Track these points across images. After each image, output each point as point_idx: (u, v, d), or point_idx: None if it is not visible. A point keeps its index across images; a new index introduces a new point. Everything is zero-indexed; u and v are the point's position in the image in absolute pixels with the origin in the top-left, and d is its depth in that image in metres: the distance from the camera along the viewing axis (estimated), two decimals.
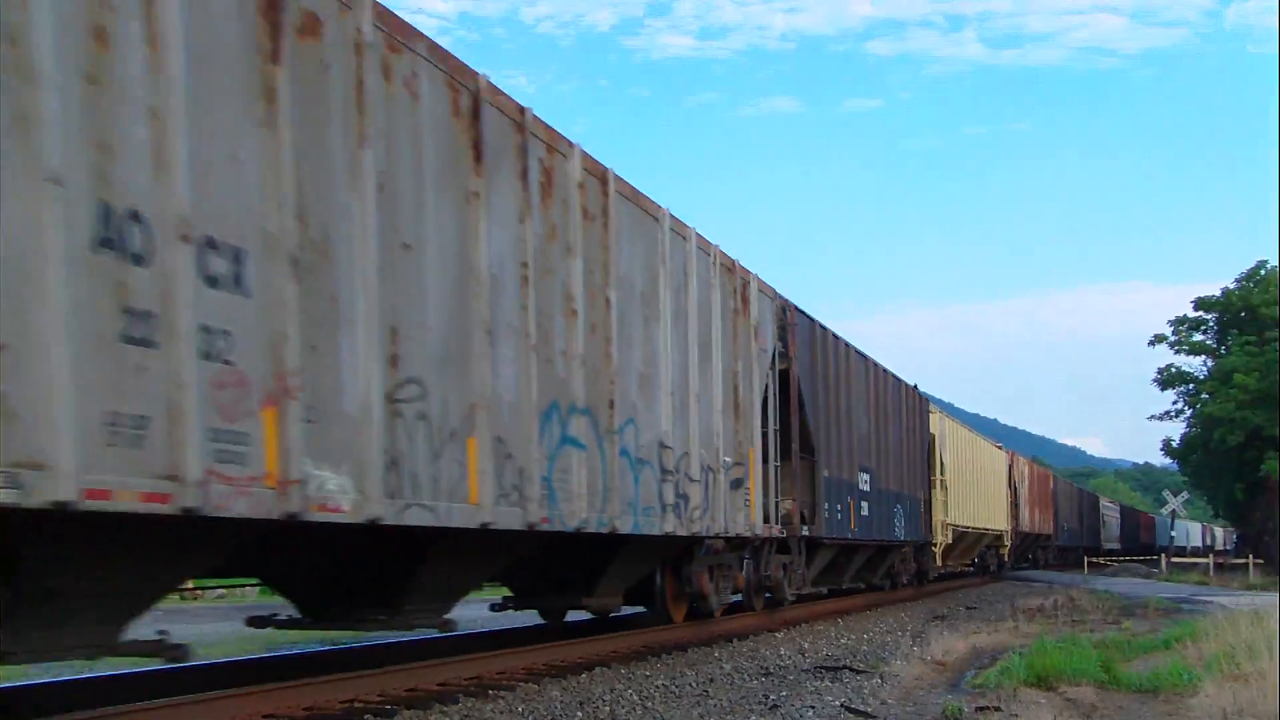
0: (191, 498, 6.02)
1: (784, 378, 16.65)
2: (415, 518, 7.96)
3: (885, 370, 23.58)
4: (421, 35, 8.35)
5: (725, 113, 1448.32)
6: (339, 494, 7.17)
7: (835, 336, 19.79)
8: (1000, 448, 39.15)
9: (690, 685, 10.69)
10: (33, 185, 5.29)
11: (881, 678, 11.39)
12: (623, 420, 11.32)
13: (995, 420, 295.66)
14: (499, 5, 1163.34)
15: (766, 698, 9.93)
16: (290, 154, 6.86)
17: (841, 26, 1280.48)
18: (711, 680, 11.08)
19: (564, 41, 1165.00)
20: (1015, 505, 39.47)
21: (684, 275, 12.99)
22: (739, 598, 16.40)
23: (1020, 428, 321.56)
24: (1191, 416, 56.89)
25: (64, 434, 5.36)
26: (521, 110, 9.61)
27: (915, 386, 26.83)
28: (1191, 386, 56.62)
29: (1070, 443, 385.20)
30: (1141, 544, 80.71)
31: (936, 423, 28.64)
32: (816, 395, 18.27)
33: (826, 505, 18.51)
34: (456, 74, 8.74)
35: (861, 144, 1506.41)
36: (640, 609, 15.34)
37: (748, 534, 14.89)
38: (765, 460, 15.63)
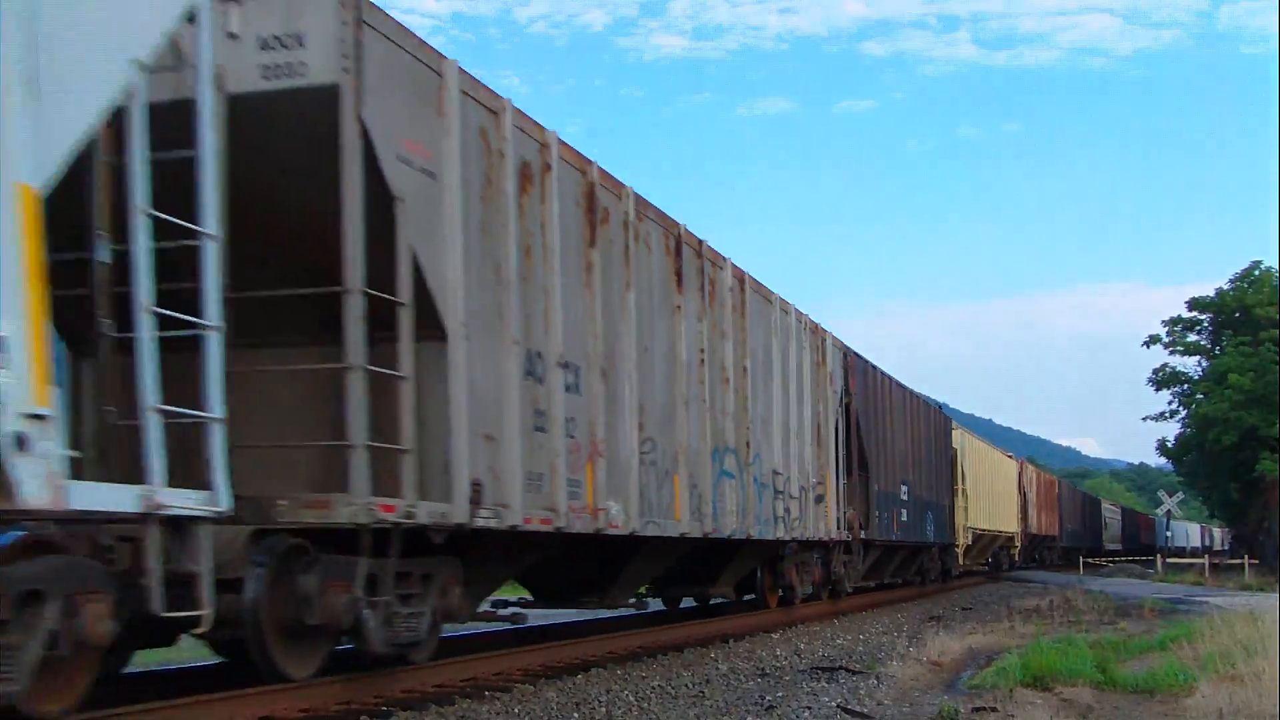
0: (562, 521, 10.32)
1: (846, 409, 21.02)
2: (651, 530, 12.32)
3: (917, 395, 28.32)
4: (650, 204, 12.72)
5: (720, 113, 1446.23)
6: (618, 516, 11.43)
7: (882, 373, 24.46)
8: (1011, 456, 43.51)
9: (686, 686, 10.69)
10: (506, 346, 9.60)
11: (878, 678, 11.35)
12: (753, 455, 15.71)
13: (990, 421, 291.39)
14: (491, 5, 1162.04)
15: (762, 698, 9.90)
16: (599, 303, 11.25)
17: (835, 27, 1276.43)
18: (708, 681, 11.07)
19: (557, 41, 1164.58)
20: (1025, 509, 43.66)
21: (786, 341, 17.52)
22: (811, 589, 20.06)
23: (1015, 428, 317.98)
24: (1186, 417, 56.88)
25: (515, 486, 9.59)
26: (700, 242, 14.12)
27: (940, 407, 31.40)
28: (1186, 387, 56.67)
29: (1065, 443, 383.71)
30: (1142, 544, 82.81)
31: (958, 438, 33.11)
32: (869, 422, 22.59)
33: (878, 513, 22.59)
34: (668, 225, 13.26)
35: (855, 144, 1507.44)
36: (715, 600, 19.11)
37: (826, 538, 19.37)
38: (837, 478, 20.07)
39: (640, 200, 12.26)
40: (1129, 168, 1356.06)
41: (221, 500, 6.72)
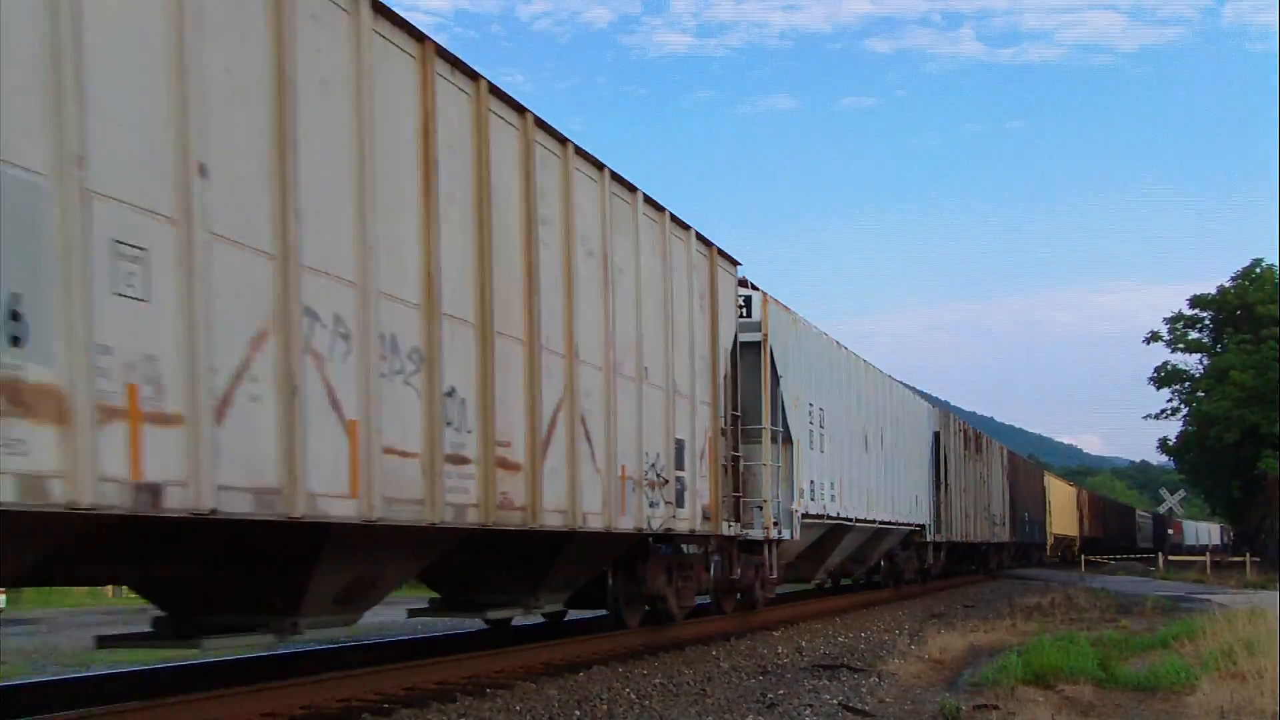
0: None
1: (1009, 478, 41.57)
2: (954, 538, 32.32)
3: (1034, 461, 58.94)
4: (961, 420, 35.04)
5: (723, 110, 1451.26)
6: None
7: (1020, 457, 48.50)
8: (1072, 485, 67.63)
9: (688, 684, 10.71)
10: (971, 493, 34.08)
11: (879, 676, 11.38)
12: (992, 507, 37.12)
13: (991, 419, 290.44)
14: (495, 2, 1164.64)
15: (764, 696, 9.93)
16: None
17: (839, 24, 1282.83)
18: (709, 679, 11.09)
19: (561, 39, 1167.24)
20: (1081, 519, 65.14)
21: (999, 461, 39.97)
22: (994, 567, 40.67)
23: (1017, 425, 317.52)
24: (1188, 415, 57.29)
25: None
26: (977, 432, 36.32)
27: (1036, 459, 59.28)
28: (1187, 384, 57.07)
29: (1067, 440, 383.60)
30: (1170, 543, 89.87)
31: (1047, 480, 55.30)
32: (1014, 482, 42.94)
33: (1017, 525, 43.30)
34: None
35: (859, 142, 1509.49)
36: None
37: (1004, 541, 39.82)
38: (1012, 513, 41.10)
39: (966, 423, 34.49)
40: (1132, 165, 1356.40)
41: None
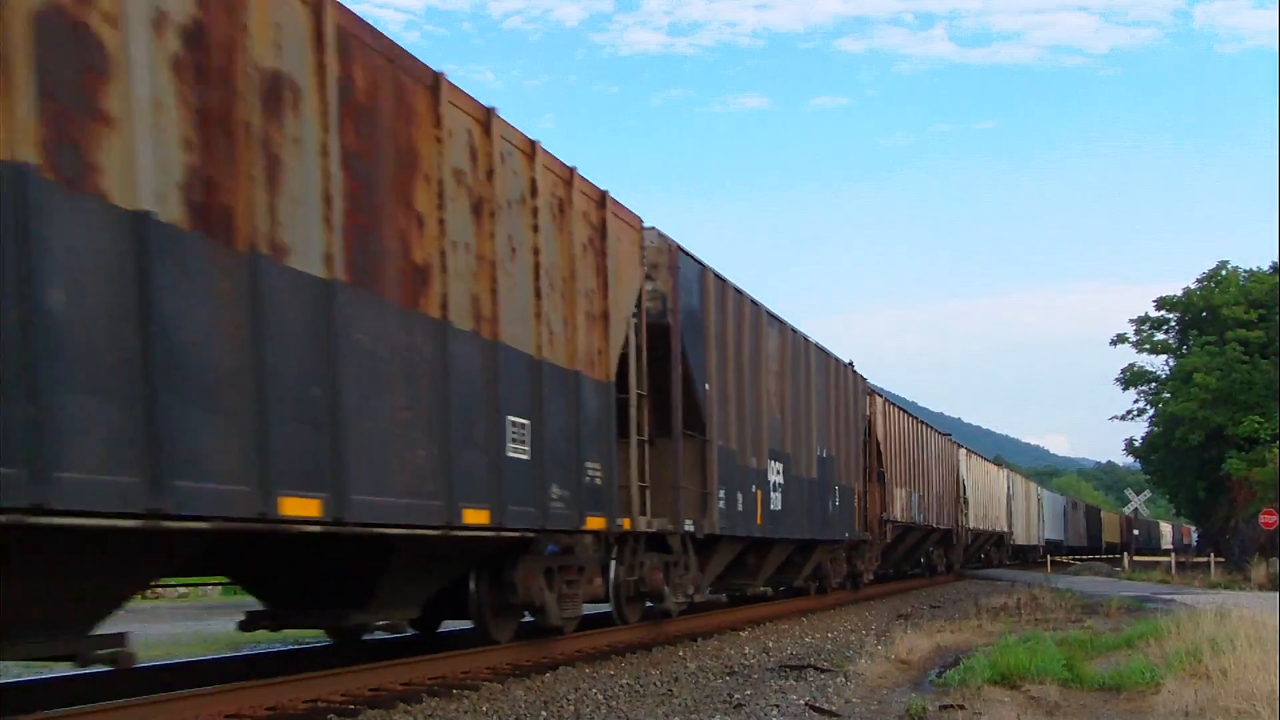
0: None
1: (1084, 512, 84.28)
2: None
3: (1092, 507, 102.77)
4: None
5: (694, 109, 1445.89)
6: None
7: (1090, 505, 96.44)
8: (1117, 513, 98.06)
9: (655, 684, 10.68)
10: None
11: (846, 676, 11.36)
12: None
13: (959, 419, 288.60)
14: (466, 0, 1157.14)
15: (731, 696, 9.91)
16: None
17: (811, 23, 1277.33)
18: (676, 679, 11.07)
19: (532, 37, 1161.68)
20: (1121, 531, 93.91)
21: (1079, 507, 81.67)
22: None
23: (984, 426, 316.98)
24: (1153, 416, 57.63)
25: None
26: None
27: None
28: (1153, 386, 57.30)
29: (1033, 441, 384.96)
30: (1184, 545, 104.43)
31: (1102, 513, 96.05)
32: (1086, 514, 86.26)
33: (1090, 538, 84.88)
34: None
35: (830, 141, 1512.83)
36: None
37: (1082, 545, 73.06)
38: (1087, 528, 79.62)
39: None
40: (1102, 166, 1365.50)
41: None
